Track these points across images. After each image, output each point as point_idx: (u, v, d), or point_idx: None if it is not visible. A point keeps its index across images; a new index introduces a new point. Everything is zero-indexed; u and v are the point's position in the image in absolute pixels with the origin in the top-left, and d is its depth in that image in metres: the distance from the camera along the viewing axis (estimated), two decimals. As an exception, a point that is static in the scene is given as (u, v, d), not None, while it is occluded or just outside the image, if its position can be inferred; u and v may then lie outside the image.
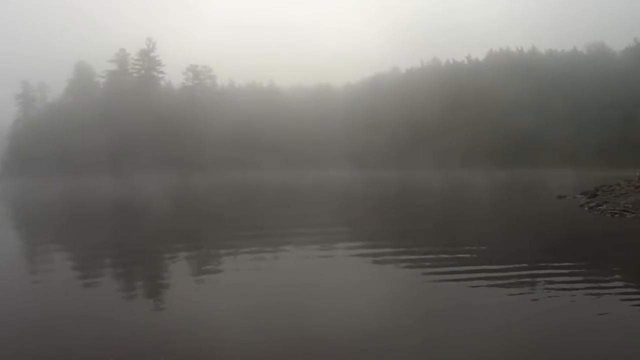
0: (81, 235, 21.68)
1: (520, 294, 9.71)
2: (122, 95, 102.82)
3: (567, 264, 12.84)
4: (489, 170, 79.86)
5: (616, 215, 21.57)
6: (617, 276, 11.67)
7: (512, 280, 10.73)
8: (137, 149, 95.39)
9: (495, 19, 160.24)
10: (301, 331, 7.99)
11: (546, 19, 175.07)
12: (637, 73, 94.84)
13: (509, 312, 8.71)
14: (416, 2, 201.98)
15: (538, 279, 10.84)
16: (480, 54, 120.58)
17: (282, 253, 15.00)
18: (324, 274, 12.12)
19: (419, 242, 16.80)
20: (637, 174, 30.88)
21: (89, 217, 30.71)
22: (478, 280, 10.64)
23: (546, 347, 7.13)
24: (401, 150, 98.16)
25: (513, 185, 50.84)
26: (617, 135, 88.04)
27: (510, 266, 12.26)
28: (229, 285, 11.15)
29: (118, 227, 24.46)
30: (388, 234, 18.82)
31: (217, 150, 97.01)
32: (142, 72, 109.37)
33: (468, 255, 14.22)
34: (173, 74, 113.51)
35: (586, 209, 24.71)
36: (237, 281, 11.48)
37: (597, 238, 17.43)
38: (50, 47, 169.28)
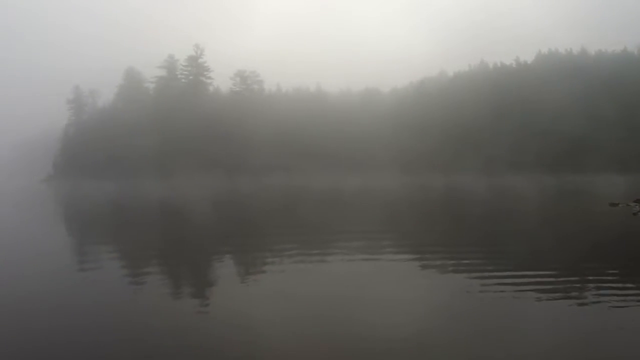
0: (130, 235, 22.32)
1: (581, 307, 9.38)
2: (170, 100, 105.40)
3: (631, 277, 12.42)
4: (537, 176, 78.57)
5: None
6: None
7: (573, 294, 10.43)
8: (184, 153, 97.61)
9: (543, 18, 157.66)
10: (342, 342, 7.79)
11: (595, 18, 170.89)
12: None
13: (571, 328, 8.31)
14: (464, 5, 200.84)
15: (602, 293, 10.40)
16: (528, 56, 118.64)
17: (328, 260, 14.81)
18: (369, 282, 11.83)
19: (470, 253, 16.21)
20: None
21: (136, 218, 31.53)
22: (534, 293, 10.29)
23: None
24: (448, 155, 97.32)
25: (562, 192, 49.52)
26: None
27: (570, 279, 11.91)
28: (273, 291, 11.02)
29: (165, 228, 25.04)
30: (436, 244, 18.35)
31: (262, 155, 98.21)
32: (191, 77, 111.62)
33: (521, 267, 13.70)
34: (221, 80, 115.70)
35: (642, 217, 23.88)
36: (281, 287, 11.34)
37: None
38: (102, 53, 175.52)
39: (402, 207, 36.93)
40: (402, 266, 13.87)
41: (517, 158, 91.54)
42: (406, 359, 7.21)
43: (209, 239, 21.14)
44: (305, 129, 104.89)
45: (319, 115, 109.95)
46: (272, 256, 15.76)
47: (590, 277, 12.37)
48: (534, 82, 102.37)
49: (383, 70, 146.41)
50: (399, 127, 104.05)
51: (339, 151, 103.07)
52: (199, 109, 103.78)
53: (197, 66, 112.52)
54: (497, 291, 10.61)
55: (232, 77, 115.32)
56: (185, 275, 13.81)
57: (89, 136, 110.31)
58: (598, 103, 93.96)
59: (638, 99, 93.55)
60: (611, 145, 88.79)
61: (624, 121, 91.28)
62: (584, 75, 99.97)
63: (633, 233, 20.77)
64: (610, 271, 13.16)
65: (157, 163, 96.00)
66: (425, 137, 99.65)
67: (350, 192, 52.97)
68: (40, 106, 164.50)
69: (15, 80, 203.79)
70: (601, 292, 10.64)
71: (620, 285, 11.62)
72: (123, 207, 40.88)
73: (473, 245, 18.07)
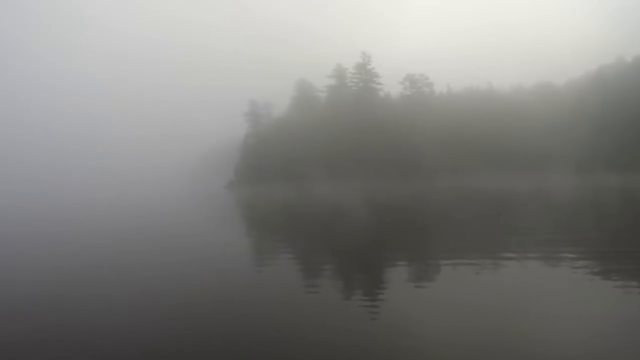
0: (306, 237, 23.38)
1: None
2: (342, 108, 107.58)
3: None
4: None
5: None
6: None
7: None
8: (356, 158, 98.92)
9: None
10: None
11: None
12: None
13: None
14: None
15: None
16: None
17: (503, 269, 13.83)
18: (549, 294, 10.95)
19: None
20: None
21: (313, 221, 32.69)
22: None
23: None
24: (629, 151, 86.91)
25: None
26: None
27: None
28: (444, 298, 10.79)
29: (341, 231, 25.30)
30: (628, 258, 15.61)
31: (433, 158, 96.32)
32: (360, 84, 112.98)
33: None
34: (391, 84, 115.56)
35: None
36: (453, 296, 10.97)
37: None
38: (274, 69, 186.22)
39: (586, 211, 32.81)
40: (585, 281, 12.39)
41: None
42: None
43: (386, 242, 20.90)
44: (475, 129, 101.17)
45: (491, 113, 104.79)
46: (446, 262, 15.12)
47: None
48: None
49: (557, 61, 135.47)
50: (575, 122, 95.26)
51: (511, 150, 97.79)
52: (370, 115, 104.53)
53: (365, 73, 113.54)
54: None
55: (401, 81, 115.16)
56: (357, 277, 14.01)
57: (265, 145, 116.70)
58: None
59: None
60: None
61: None
62: None
63: None
64: None
65: (330, 168, 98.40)
66: (603, 132, 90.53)
67: (523, 192, 49.58)
68: (222, 120, 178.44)
69: (204, 100, 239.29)
70: None
71: None
72: (299, 211, 42.43)
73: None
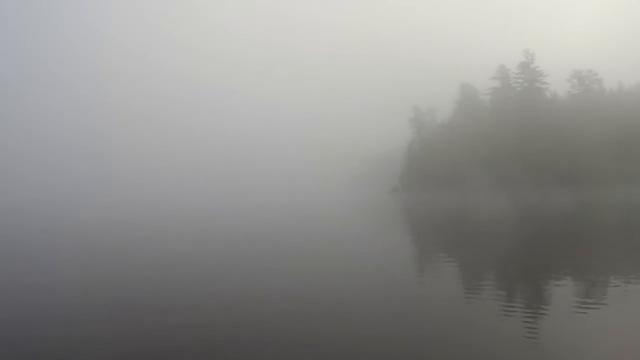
0: (471, 248, 23.44)
1: None
2: (507, 111, 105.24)
3: None
4: None
5: None
6: None
7: None
8: (524, 165, 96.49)
9: None
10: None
11: None
12: None
13: None
14: None
15: None
16: None
17: None
18: None
19: None
20: None
21: (479, 230, 32.67)
22: None
23: None
24: None
25: None
26: None
27: None
28: (610, 327, 9.88)
29: (510, 242, 25.27)
30: None
31: (605, 162, 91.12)
32: (525, 85, 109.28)
33: None
34: (557, 83, 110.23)
35: None
36: (622, 324, 10.11)
37: None
38: (434, 76, 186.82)
39: None
40: None
41: None
42: None
43: (555, 256, 19.78)
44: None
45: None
46: (621, 285, 13.88)
47: None
48: None
49: None
50: None
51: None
52: (536, 117, 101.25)
53: (530, 72, 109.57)
54: None
55: (568, 79, 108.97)
56: (519, 294, 13.57)
57: (430, 151, 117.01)
58: None
59: None
60: None
61: None
62: None
63: None
64: None
65: (496, 174, 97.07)
66: None
67: None
68: (386, 126, 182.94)
69: (367, 107, 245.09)
70: None
71: None
72: (465, 219, 42.58)
73: None
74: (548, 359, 8.31)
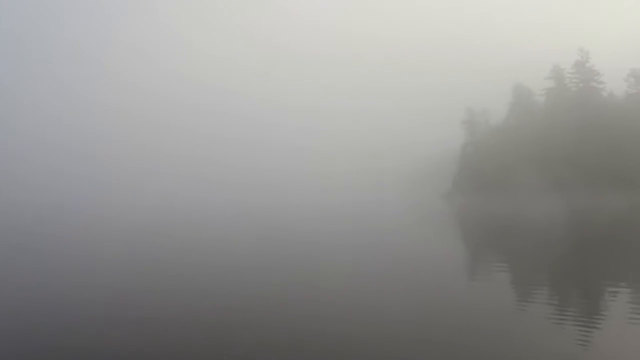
0: (525, 251, 23.72)
1: None
2: (562, 113, 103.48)
3: None
4: None
5: None
6: None
7: None
8: (580, 168, 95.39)
9: None
10: None
11: None
12: None
13: None
14: None
15: None
16: None
17: None
18: None
19: None
20: None
21: (533, 234, 32.89)
22: None
23: None
24: None
25: None
26: None
27: None
28: None
29: (564, 247, 25.72)
30: None
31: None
32: (581, 85, 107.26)
33: None
34: (614, 82, 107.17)
35: None
36: None
37: None
38: (487, 78, 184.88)
39: None
40: None
41: None
42: None
43: (614, 264, 19.62)
44: None
45: None
46: None
47: None
48: None
49: None
50: None
51: None
52: (592, 118, 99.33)
53: (585, 72, 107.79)
54: None
55: (625, 78, 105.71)
56: (573, 301, 13.60)
57: (483, 154, 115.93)
58: None
59: None
60: None
61: None
62: None
63: None
64: None
65: (552, 177, 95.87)
66: None
67: None
68: (438, 128, 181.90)
69: (420, 109, 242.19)
70: None
71: None
72: (515, 224, 42.88)
73: None
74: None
